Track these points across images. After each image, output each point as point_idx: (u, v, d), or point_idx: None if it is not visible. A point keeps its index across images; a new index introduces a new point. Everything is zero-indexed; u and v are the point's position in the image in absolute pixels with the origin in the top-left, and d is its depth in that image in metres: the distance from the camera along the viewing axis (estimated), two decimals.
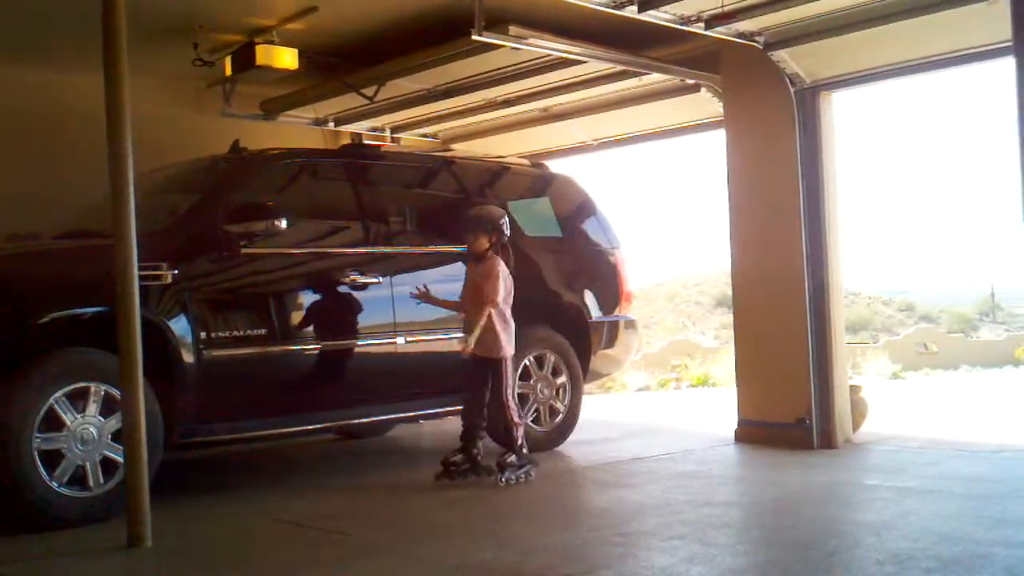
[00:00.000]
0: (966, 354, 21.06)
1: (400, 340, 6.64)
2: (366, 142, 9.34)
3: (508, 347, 6.22)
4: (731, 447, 7.56)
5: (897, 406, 10.36)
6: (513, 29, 6.75)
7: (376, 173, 7.11)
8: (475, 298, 6.22)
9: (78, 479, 5.11)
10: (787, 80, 7.33)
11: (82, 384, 5.16)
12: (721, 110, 8.04)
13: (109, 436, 5.20)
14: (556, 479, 6.64)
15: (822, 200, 7.35)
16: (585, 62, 7.66)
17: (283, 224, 5.87)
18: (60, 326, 5.23)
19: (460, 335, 6.97)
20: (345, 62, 8.15)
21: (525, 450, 6.31)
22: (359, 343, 6.53)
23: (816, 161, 7.37)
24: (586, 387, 8.02)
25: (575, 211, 8.26)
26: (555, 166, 8.92)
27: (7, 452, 4.86)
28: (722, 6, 6.46)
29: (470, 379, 6.26)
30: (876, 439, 7.66)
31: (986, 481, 5.98)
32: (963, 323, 33.12)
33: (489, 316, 6.12)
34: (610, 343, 8.03)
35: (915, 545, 4.38)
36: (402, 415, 7.04)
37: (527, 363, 7.33)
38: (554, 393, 7.54)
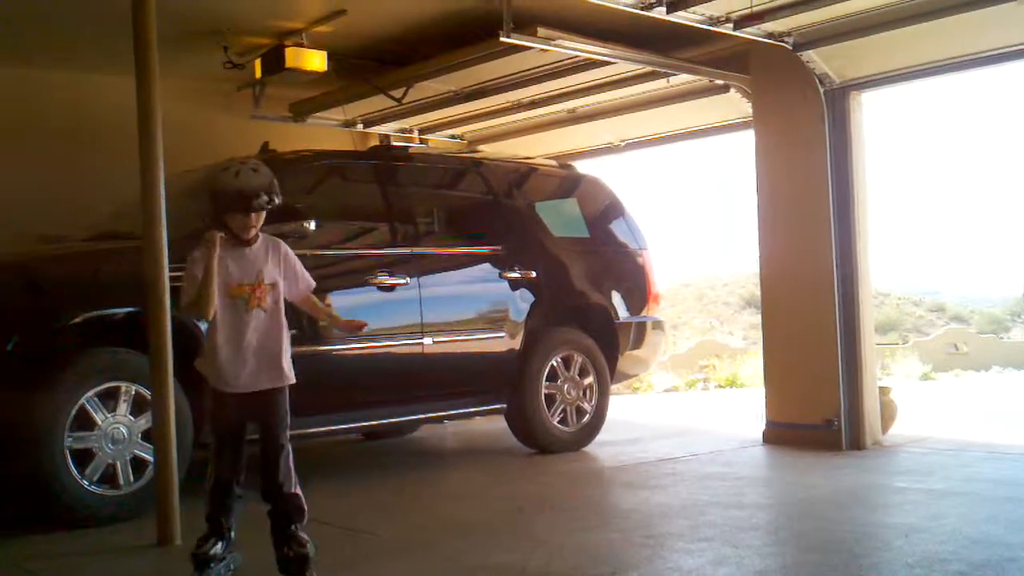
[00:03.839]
0: (997, 355, 20.87)
1: (427, 341, 6.66)
2: (394, 143, 9.39)
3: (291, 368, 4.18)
4: (759, 448, 7.53)
5: (927, 407, 10.30)
6: (541, 31, 6.75)
7: (404, 174, 7.14)
8: (262, 297, 4.08)
9: (108, 478, 5.16)
10: (816, 80, 7.29)
11: (113, 384, 5.21)
12: (750, 111, 8.02)
13: (139, 435, 5.25)
14: (582, 480, 6.65)
15: (852, 200, 7.31)
16: (613, 63, 7.65)
17: (312, 226, 5.90)
18: (92, 326, 5.30)
19: (479, 336, 6.98)
20: (373, 64, 8.18)
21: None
22: (387, 344, 6.55)
23: (846, 161, 7.33)
24: (613, 388, 8.02)
25: (602, 212, 8.27)
26: (582, 167, 8.92)
27: (39, 451, 4.93)
28: (751, 7, 6.43)
29: (222, 424, 4.16)
30: (905, 441, 7.61)
31: (1017, 484, 5.93)
32: (994, 324, 32.82)
33: (283, 328, 4.15)
34: (637, 344, 8.02)
35: (944, 548, 4.35)
36: (428, 415, 7.06)
37: (554, 364, 7.36)
38: (581, 394, 7.55)
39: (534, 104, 9.09)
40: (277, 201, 4.07)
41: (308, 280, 4.29)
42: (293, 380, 4.16)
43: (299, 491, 4.16)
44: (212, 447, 4.16)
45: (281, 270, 4.17)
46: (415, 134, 10.17)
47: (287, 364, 4.13)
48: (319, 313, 4.53)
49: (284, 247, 4.24)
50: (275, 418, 4.12)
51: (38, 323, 5.17)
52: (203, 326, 5.50)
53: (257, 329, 4.06)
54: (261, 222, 4.11)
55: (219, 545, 4.13)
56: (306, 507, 4.16)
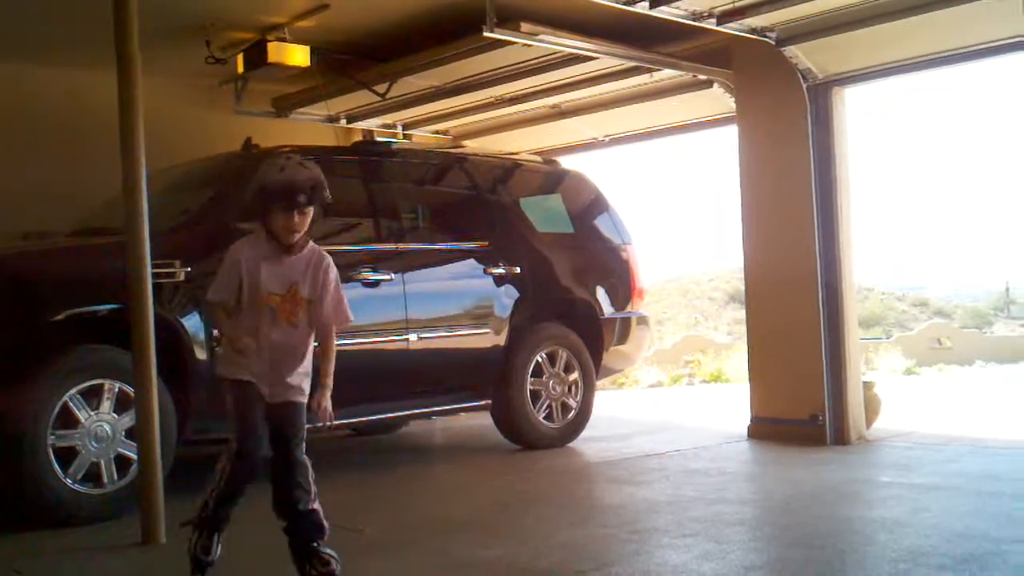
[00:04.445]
0: (981, 350, 21.00)
1: (412, 337, 6.65)
2: (378, 139, 9.36)
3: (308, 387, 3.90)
4: (744, 444, 7.54)
5: (911, 402, 10.33)
6: (524, 26, 6.76)
7: (388, 170, 7.12)
8: (293, 311, 3.81)
9: (92, 476, 5.13)
10: (799, 75, 7.30)
11: (96, 381, 5.18)
12: (733, 106, 8.02)
13: (123, 433, 5.22)
14: (568, 476, 6.65)
15: (835, 195, 7.32)
16: (596, 58, 7.65)
17: None
18: (75, 323, 5.26)
19: (464, 332, 6.98)
20: (357, 59, 8.16)
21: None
22: (372, 340, 6.53)
23: (829, 156, 7.34)
24: (598, 383, 8.03)
25: (586, 207, 8.26)
26: (566, 162, 8.92)
27: (22, 449, 4.90)
28: (733, 2, 6.44)
29: (247, 410, 3.79)
30: (889, 435, 7.63)
31: (1000, 478, 5.95)
32: (978, 318, 33.02)
33: (310, 350, 3.90)
34: (622, 339, 8.03)
35: (928, 542, 4.37)
36: (413, 412, 7.05)
37: (539, 359, 7.35)
38: (566, 390, 7.54)
39: (518, 99, 9.08)
40: (325, 201, 3.80)
41: (343, 314, 3.92)
42: (305, 400, 3.84)
43: (317, 506, 3.83)
44: (230, 444, 3.78)
45: (317, 288, 3.84)
46: (399, 129, 10.14)
47: (306, 384, 3.85)
48: (324, 361, 3.90)
49: (329, 266, 3.89)
50: (291, 430, 3.80)
51: (20, 320, 5.13)
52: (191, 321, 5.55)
53: (280, 345, 3.77)
54: (305, 227, 3.80)
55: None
56: (326, 524, 3.85)
